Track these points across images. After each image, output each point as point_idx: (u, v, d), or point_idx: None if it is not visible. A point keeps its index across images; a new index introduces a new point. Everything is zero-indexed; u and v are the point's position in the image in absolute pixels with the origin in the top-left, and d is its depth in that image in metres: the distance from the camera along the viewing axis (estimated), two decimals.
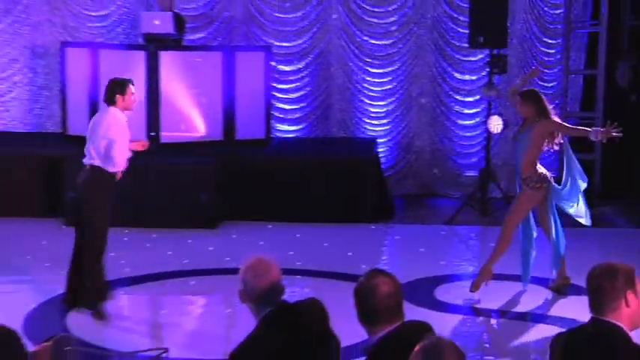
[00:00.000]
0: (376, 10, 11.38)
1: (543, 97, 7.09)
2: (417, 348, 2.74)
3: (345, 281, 7.29)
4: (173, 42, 10.33)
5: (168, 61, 9.97)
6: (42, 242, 8.67)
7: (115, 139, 6.61)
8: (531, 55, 11.36)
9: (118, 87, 6.74)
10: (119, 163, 6.64)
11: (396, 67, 11.42)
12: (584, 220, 7.26)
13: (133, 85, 6.84)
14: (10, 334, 3.23)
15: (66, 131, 10.46)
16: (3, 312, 5.68)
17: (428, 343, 2.75)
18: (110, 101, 6.73)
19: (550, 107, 7.05)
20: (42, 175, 9.82)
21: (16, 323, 5.40)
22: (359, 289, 3.34)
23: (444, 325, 6.42)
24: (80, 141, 7.02)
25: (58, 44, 11.08)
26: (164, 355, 3.42)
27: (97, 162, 6.63)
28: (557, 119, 7.07)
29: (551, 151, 7.16)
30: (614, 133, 6.72)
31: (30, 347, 3.44)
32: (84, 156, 6.72)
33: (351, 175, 9.90)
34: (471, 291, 7.10)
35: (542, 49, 11.38)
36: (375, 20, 11.37)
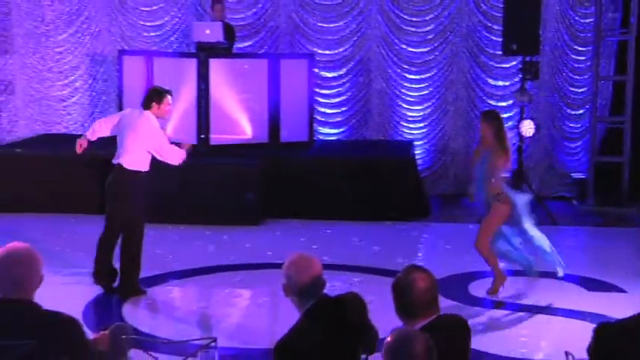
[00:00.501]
0: (414, 19, 11.35)
1: (502, 119, 6.88)
2: (388, 338, 2.77)
3: (383, 276, 7.28)
4: (222, 50, 10.39)
5: (217, 68, 10.03)
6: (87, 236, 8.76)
7: (147, 140, 6.67)
8: (562, 62, 11.25)
9: (155, 95, 6.80)
10: (148, 163, 6.71)
11: (432, 73, 11.38)
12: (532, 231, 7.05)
13: (171, 96, 6.86)
14: (72, 322, 3.28)
15: None
16: (65, 301, 5.75)
17: (398, 332, 2.78)
18: (146, 106, 6.79)
19: (506, 131, 6.82)
20: (99, 174, 9.93)
21: (77, 312, 5.48)
22: (397, 283, 3.34)
23: (478, 319, 6.38)
24: None
25: (115, 52, 11.23)
26: (213, 344, 3.44)
27: (126, 161, 6.69)
28: (502, 159, 6.71)
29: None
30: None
31: (90, 335, 3.49)
32: (115, 156, 6.82)
33: (389, 175, 9.87)
34: (489, 294, 6.98)
35: (573, 56, 11.27)
36: (413, 29, 11.35)
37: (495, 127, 6.70)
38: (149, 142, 6.71)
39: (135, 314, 6.53)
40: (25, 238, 3.72)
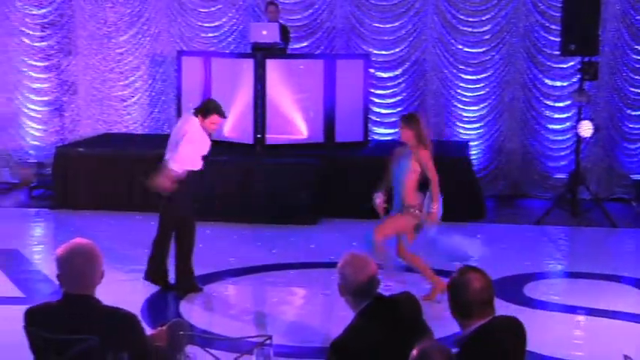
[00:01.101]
0: (470, 19, 11.25)
1: (424, 123, 6.71)
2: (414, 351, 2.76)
3: (438, 276, 7.24)
4: (279, 50, 10.44)
5: (274, 68, 10.08)
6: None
7: (186, 143, 6.71)
8: (622, 62, 11.03)
9: (204, 109, 6.84)
10: (181, 165, 6.72)
11: (488, 73, 11.27)
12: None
13: (219, 116, 6.82)
14: (132, 318, 3.33)
15: None
16: (125, 298, 5.85)
17: (420, 346, 2.78)
18: (195, 113, 6.85)
19: (428, 136, 6.67)
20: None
21: (136, 308, 5.57)
22: (452, 283, 3.31)
23: (533, 320, 6.27)
24: None
25: (174, 53, 11.37)
26: (268, 342, 3.46)
27: (171, 161, 6.77)
28: (428, 156, 6.60)
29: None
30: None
31: (148, 331, 3.55)
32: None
33: (444, 175, 9.74)
34: (424, 300, 6.73)
35: (634, 55, 11.03)
36: (469, 29, 11.25)
37: (416, 130, 6.58)
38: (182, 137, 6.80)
39: (192, 311, 6.59)
40: (89, 234, 3.79)
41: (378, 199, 6.80)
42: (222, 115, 6.92)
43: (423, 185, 6.73)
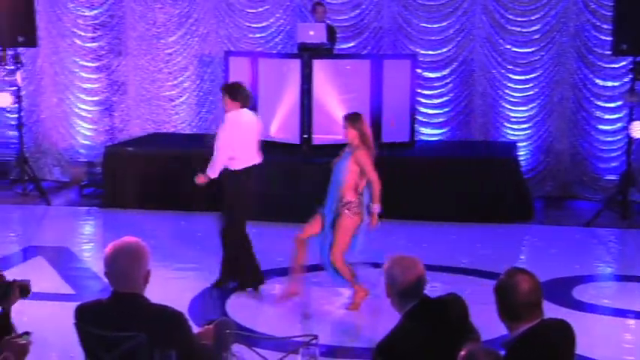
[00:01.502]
0: (519, 19, 11.13)
1: (367, 123, 6.58)
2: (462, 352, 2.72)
3: (484, 278, 7.17)
4: (326, 51, 10.45)
5: (320, 68, 10.09)
6: (208, 234, 8.97)
7: (221, 140, 6.77)
8: None
9: (233, 90, 6.88)
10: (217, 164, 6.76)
11: (537, 73, 11.14)
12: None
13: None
14: (179, 316, 3.35)
15: None
16: (173, 295, 5.91)
17: (467, 350, 2.73)
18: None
19: (371, 136, 6.52)
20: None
21: (183, 306, 5.62)
22: (500, 285, 3.27)
23: (582, 324, 6.17)
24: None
25: (222, 53, 11.45)
26: (314, 341, 3.46)
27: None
28: (367, 156, 6.50)
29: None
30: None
31: (195, 329, 3.57)
32: None
33: (492, 176, 9.71)
34: (349, 309, 6.62)
35: None
36: (518, 29, 11.13)
37: (360, 130, 6.47)
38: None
39: (238, 310, 6.63)
40: (137, 232, 3.83)
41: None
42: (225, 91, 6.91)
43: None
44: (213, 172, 6.80)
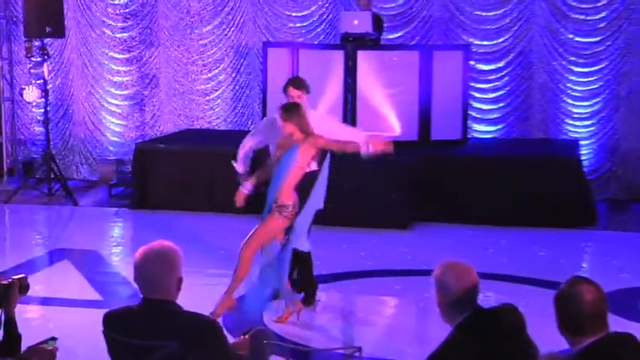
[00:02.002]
0: (583, 6, 11.00)
1: (304, 112, 6.34)
2: None
3: (543, 287, 7.11)
4: (371, 41, 10.44)
5: (365, 60, 10.09)
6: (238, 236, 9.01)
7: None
8: None
9: (284, 86, 6.84)
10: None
11: (602, 65, 11.01)
12: (303, 247, 6.56)
13: (294, 87, 6.79)
14: (213, 325, 3.37)
15: None
16: (205, 303, 5.94)
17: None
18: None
19: (310, 124, 6.30)
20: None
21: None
22: (561, 296, 3.24)
23: None
24: None
25: (260, 44, 11.50)
26: (357, 354, 3.45)
27: None
28: (321, 137, 6.28)
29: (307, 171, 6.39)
30: (384, 148, 6.28)
31: (230, 339, 3.58)
32: None
33: (551, 177, 9.61)
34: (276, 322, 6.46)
35: None
36: (582, 17, 11.00)
37: (298, 121, 6.24)
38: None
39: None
40: (169, 236, 3.86)
41: (245, 189, 6.56)
42: (298, 86, 6.79)
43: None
44: None
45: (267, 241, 6.46)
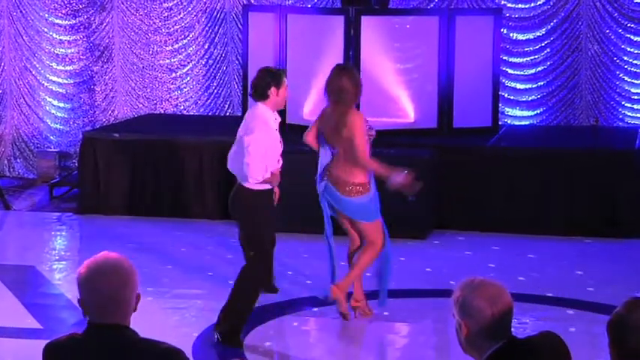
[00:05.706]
0: None
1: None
2: None
3: (593, 312, 7.16)
4: (378, 4, 10.45)
5: (371, 27, 10.09)
6: (219, 249, 9.03)
7: (252, 146, 6.71)
8: None
9: (272, 78, 6.86)
10: (253, 177, 6.73)
11: None
12: None
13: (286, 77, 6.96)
14: (177, 354, 3.39)
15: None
16: (171, 331, 5.94)
17: None
18: (261, 96, 6.86)
19: None
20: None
21: (186, 344, 5.66)
22: (615, 322, 3.25)
23: None
24: None
25: (239, 8, 11.51)
26: None
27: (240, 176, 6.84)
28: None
29: None
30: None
31: None
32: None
33: (604, 174, 9.64)
34: None
35: None
36: None
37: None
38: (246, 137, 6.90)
39: (258, 349, 6.65)
40: (123, 247, 3.87)
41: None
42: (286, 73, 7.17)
43: None
44: None
45: None
